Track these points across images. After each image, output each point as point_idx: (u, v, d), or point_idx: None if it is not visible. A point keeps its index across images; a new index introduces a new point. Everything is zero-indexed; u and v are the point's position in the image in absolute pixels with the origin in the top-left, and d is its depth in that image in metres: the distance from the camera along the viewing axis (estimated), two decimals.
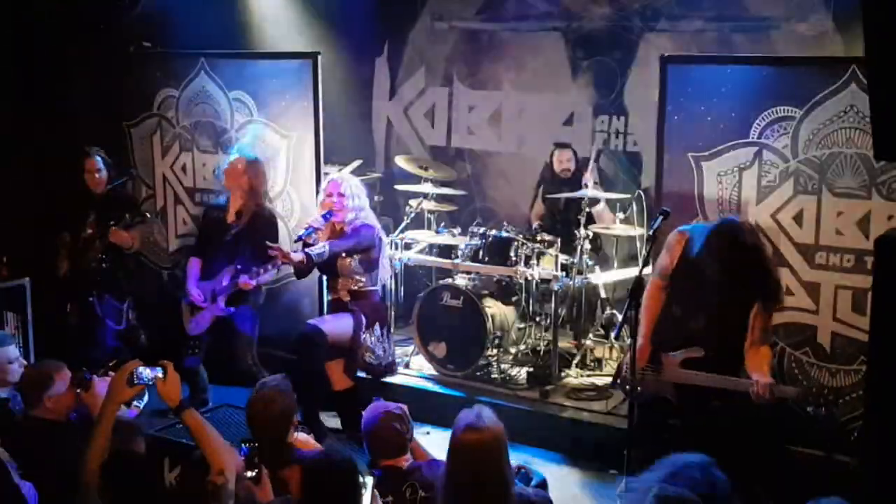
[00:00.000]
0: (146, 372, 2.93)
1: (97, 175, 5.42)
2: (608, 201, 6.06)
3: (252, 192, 5.29)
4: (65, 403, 3.55)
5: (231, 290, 5.19)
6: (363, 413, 3.47)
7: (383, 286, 5.41)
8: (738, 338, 3.86)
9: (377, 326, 5.03)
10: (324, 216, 4.95)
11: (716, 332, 3.84)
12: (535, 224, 6.35)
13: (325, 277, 5.45)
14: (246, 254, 5.18)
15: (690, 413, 3.96)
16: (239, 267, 5.15)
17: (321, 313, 5.55)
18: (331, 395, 4.89)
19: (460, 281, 5.82)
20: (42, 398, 3.50)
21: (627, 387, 4.03)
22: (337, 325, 4.91)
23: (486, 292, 5.76)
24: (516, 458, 4.19)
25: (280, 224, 5.59)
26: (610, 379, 5.60)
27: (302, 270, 5.04)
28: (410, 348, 5.99)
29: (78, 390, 3.54)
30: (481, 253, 5.81)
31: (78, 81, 6.19)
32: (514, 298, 5.85)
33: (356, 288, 5.00)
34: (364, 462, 3.16)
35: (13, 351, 3.93)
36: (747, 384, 3.75)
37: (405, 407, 3.54)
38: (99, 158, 5.44)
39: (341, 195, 4.94)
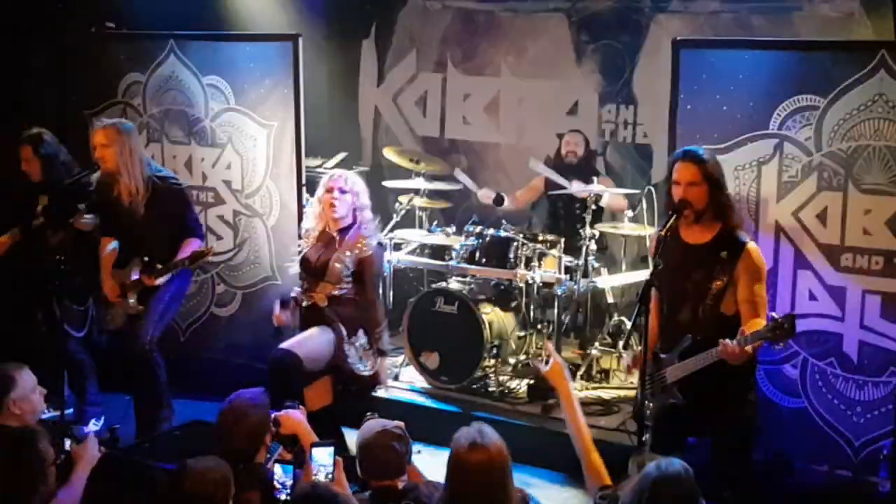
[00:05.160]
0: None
1: (28, 164, 5.32)
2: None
3: (124, 163, 4.91)
4: (31, 407, 3.58)
5: (140, 286, 5.01)
6: (359, 430, 3.48)
7: None
8: (723, 315, 3.79)
9: (361, 334, 4.95)
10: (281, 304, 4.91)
11: (702, 317, 3.80)
12: (506, 202, 6.30)
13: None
14: (152, 242, 4.99)
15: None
16: (147, 259, 4.99)
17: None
18: (307, 415, 4.85)
19: (455, 285, 5.83)
20: (5, 402, 3.53)
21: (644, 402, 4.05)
22: (314, 347, 4.74)
23: (482, 297, 5.76)
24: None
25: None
26: (618, 391, 5.67)
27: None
28: (400, 359, 5.99)
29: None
30: (478, 254, 5.81)
31: (35, 65, 6.16)
32: (513, 304, 5.86)
33: (337, 293, 4.85)
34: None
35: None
36: (720, 352, 3.64)
37: (402, 425, 3.56)
38: (30, 147, 5.33)
39: (343, 191, 4.81)
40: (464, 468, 2.81)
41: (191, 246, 5.00)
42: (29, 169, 5.37)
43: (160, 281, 4.99)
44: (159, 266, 4.97)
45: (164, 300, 5.09)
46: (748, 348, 3.61)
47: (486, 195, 6.35)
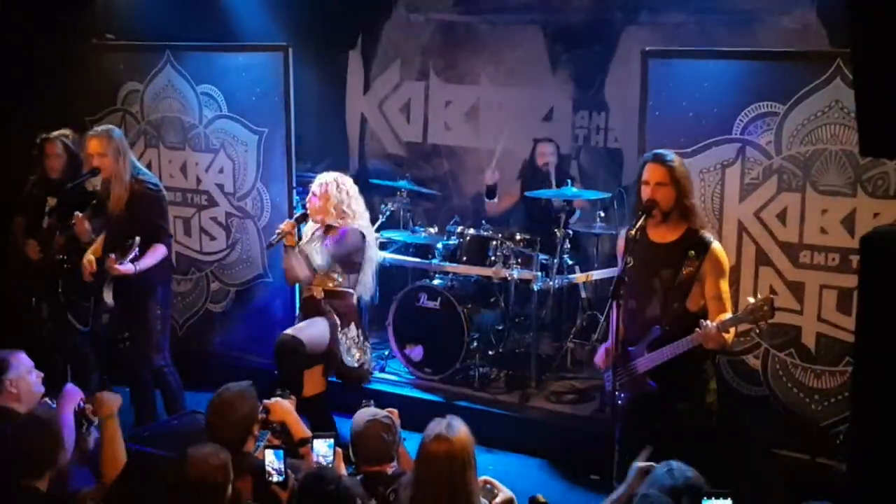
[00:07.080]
0: None
1: (55, 159, 5.30)
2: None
3: (117, 170, 4.85)
4: (27, 387, 3.58)
5: (111, 280, 4.85)
6: (353, 418, 3.49)
7: (359, 298, 5.17)
8: (688, 311, 3.77)
9: (352, 327, 5.01)
10: (296, 218, 4.97)
11: (669, 310, 3.79)
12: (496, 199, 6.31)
13: None
14: (124, 240, 4.82)
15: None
16: (113, 255, 4.81)
17: (294, 314, 5.51)
18: (301, 400, 4.85)
19: (437, 282, 5.82)
20: (2, 382, 3.53)
21: (615, 393, 4.02)
22: (314, 333, 4.86)
23: (463, 293, 5.76)
24: (488, 468, 4.14)
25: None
26: (592, 381, 5.66)
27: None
28: (386, 352, 5.97)
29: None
30: (459, 253, 5.80)
31: (38, 74, 6.10)
32: (492, 299, 5.86)
33: (332, 287, 4.96)
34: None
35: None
36: (698, 335, 3.64)
37: (395, 412, 3.56)
38: (60, 143, 5.33)
39: (313, 195, 4.96)
40: (426, 457, 2.89)
41: (157, 251, 4.86)
42: (53, 165, 5.31)
43: (121, 268, 4.70)
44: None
45: (151, 317, 4.98)
46: (726, 334, 3.61)
47: (491, 177, 6.29)
